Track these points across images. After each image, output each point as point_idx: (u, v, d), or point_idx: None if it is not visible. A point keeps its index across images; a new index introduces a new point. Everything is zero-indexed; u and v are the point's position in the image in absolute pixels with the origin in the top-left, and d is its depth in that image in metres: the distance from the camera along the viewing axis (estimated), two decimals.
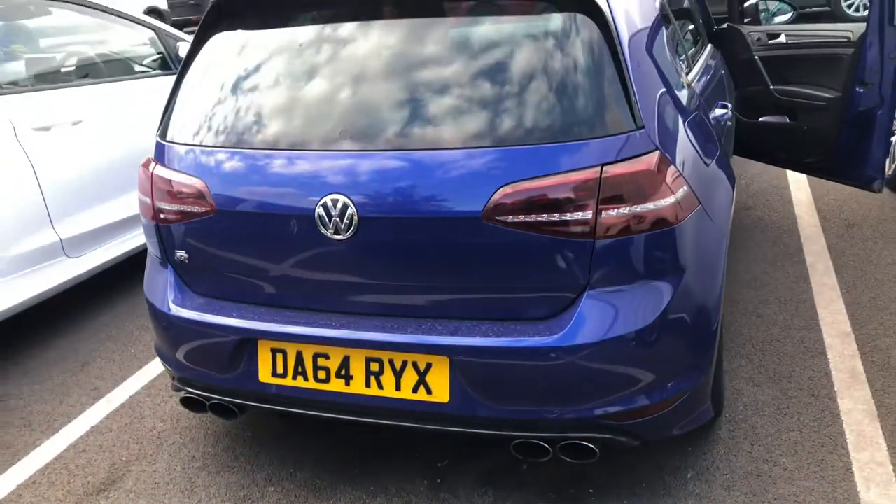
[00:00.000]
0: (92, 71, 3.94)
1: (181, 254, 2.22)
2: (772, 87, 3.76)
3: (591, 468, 2.30)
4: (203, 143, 2.14)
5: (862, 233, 3.92)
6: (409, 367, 1.98)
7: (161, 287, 2.29)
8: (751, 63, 3.83)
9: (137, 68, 4.22)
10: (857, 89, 3.26)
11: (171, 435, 2.67)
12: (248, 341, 2.11)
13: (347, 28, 2.10)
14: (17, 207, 3.24)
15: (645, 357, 1.93)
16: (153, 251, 2.34)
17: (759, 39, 3.87)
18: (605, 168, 1.83)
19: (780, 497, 2.14)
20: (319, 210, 1.94)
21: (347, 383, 2.04)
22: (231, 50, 2.21)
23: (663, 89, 2.06)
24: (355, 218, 1.92)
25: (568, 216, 1.83)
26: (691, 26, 3.46)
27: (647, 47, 2.08)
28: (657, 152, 1.87)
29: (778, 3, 4.10)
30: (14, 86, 3.51)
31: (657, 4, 2.41)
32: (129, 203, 3.73)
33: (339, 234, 1.94)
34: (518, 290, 1.91)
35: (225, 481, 2.39)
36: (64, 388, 3.07)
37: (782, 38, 3.78)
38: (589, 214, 1.83)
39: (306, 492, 2.31)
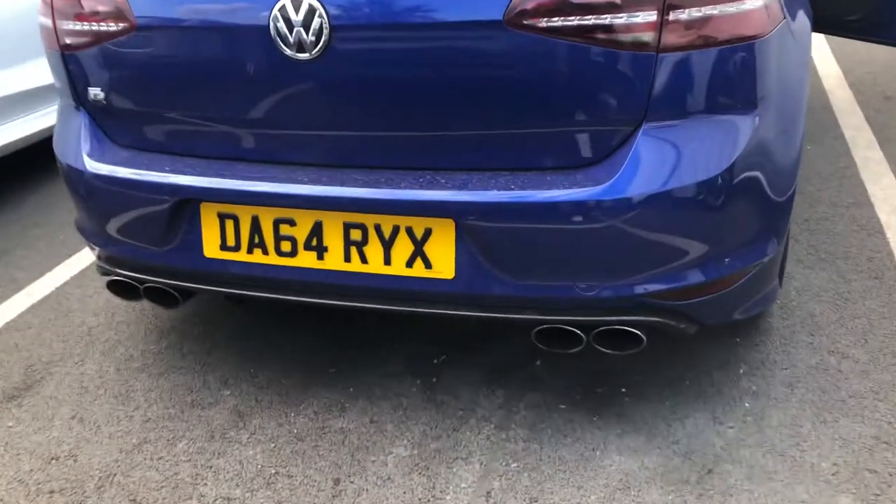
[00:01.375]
0: None
1: (96, 92, 1.67)
2: None
3: (619, 364, 1.88)
4: None
5: None
6: (402, 234, 1.49)
7: (74, 139, 1.75)
8: None
9: None
10: None
11: (105, 332, 2.19)
12: (187, 204, 1.60)
13: None
14: None
15: (711, 218, 1.46)
16: (63, 93, 1.79)
17: None
18: None
19: (856, 394, 1.74)
20: (276, 18, 1.40)
21: (320, 257, 1.56)
22: None
23: None
24: (326, 28, 1.39)
25: (624, 18, 1.32)
26: None
27: None
28: None
29: None
30: None
31: None
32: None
33: (303, 51, 1.41)
34: (550, 126, 1.42)
35: (169, 384, 1.93)
36: None
37: None
38: (653, 15, 1.32)
39: (270, 395, 1.86)
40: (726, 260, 1.52)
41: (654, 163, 1.40)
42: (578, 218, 1.39)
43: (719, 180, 1.42)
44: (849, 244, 2.36)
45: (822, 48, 4.33)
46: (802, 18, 1.75)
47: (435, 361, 1.94)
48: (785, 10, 1.51)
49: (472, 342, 1.99)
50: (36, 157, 3.31)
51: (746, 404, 1.73)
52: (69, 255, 2.68)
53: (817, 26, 3.31)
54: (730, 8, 1.35)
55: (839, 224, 2.49)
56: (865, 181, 2.77)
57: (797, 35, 1.64)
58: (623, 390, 1.81)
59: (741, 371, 1.84)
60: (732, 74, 1.40)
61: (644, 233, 1.42)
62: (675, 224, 1.44)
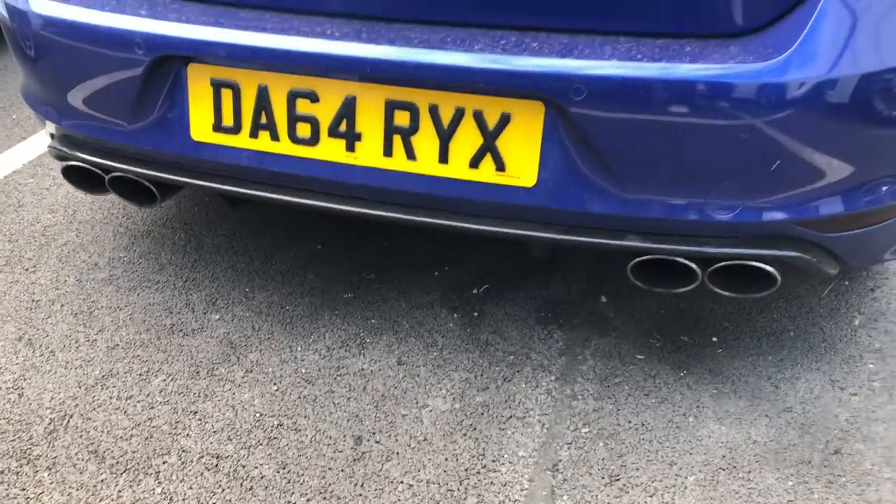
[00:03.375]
0: None
1: None
2: None
3: (702, 306, 1.52)
4: None
5: None
6: (468, 120, 1.08)
7: None
8: None
9: None
10: None
11: (63, 232, 1.78)
12: (170, 63, 1.17)
13: None
14: None
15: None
16: None
17: None
18: None
19: None
20: None
21: (351, 147, 1.15)
22: None
23: None
24: None
25: None
26: None
27: None
28: None
29: None
30: None
31: None
32: None
33: None
34: None
35: (143, 302, 1.54)
36: None
37: None
38: None
39: (270, 323, 1.49)
40: (884, 188, 1.13)
41: (841, 35, 0.99)
42: (729, 106, 0.99)
43: None
44: None
45: None
46: None
47: (475, 291, 1.56)
48: None
49: (521, 269, 1.62)
50: None
51: (870, 365, 1.39)
52: (23, 138, 2.23)
53: None
54: None
55: None
56: None
57: None
58: (714, 339, 1.45)
59: (856, 322, 1.49)
60: None
61: (815, 135, 1.02)
62: (860, 127, 1.03)
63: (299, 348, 1.43)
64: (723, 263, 1.13)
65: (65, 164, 1.40)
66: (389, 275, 1.61)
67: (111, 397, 1.32)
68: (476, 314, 1.51)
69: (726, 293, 1.19)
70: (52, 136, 1.43)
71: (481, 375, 1.37)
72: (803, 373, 1.37)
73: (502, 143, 1.09)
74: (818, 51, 0.97)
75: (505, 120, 1.07)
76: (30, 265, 1.67)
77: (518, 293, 1.56)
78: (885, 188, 1.13)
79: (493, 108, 1.07)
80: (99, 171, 1.37)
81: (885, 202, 1.15)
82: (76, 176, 1.41)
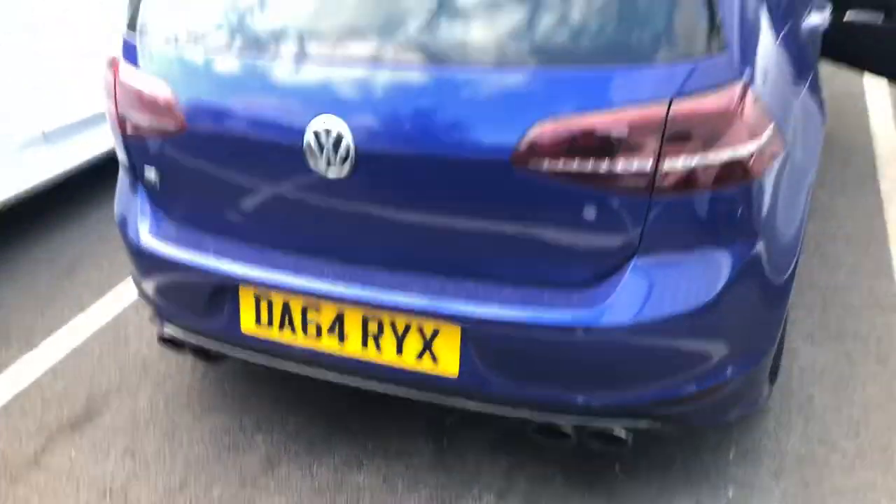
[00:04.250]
0: None
1: (152, 174, 1.86)
2: None
3: None
4: (174, 41, 1.74)
5: None
6: (414, 331, 1.66)
7: (132, 210, 1.95)
8: None
9: None
10: None
11: (157, 363, 2.43)
12: (229, 286, 1.79)
13: None
14: None
15: (698, 340, 1.59)
16: (122, 164, 1.99)
17: None
18: (673, 102, 1.41)
19: (837, 491, 1.85)
20: (309, 138, 1.56)
21: (342, 341, 1.74)
22: None
23: (754, 1, 1.58)
24: (352, 152, 1.54)
25: (620, 165, 1.43)
26: None
27: None
28: (740, 84, 1.44)
29: None
30: None
31: None
32: None
33: (332, 166, 1.57)
34: (549, 253, 1.55)
35: (209, 424, 2.16)
36: (48, 297, 2.82)
37: None
38: (647, 164, 1.43)
39: (297, 444, 2.07)
40: (712, 373, 1.64)
41: (644, 291, 1.52)
42: (571, 337, 1.53)
43: (708, 308, 1.53)
44: (861, 321, 2.42)
45: (875, 81, 4.25)
46: (811, 137, 1.82)
47: (448, 423, 2.11)
48: (786, 139, 1.60)
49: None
50: (99, 173, 3.56)
51: (730, 493, 1.86)
52: (129, 275, 2.92)
53: (872, 68, 3.30)
54: (726, 153, 1.44)
55: (856, 296, 2.54)
56: (891, 245, 2.79)
57: (801, 157, 1.72)
58: (617, 467, 1.95)
59: (731, 456, 1.96)
60: (726, 214, 1.50)
61: (638, 351, 1.55)
62: (668, 344, 1.57)
63: (315, 465, 2.00)
64: (591, 429, 1.66)
65: (159, 333, 2.05)
66: (383, 408, 2.17)
67: (186, 500, 1.92)
68: (446, 442, 2.05)
69: (595, 448, 1.70)
70: (152, 311, 2.08)
71: (442, 491, 1.90)
72: (676, 498, 1.86)
73: (436, 346, 1.65)
74: (622, 303, 1.50)
75: (436, 333, 1.64)
76: (133, 390, 2.32)
77: (480, 425, 2.09)
78: (713, 373, 1.64)
79: (429, 326, 1.64)
80: (182, 340, 2.00)
81: (717, 382, 1.65)
82: (166, 339, 2.06)
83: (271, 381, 2.31)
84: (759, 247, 1.57)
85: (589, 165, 1.44)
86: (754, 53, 1.53)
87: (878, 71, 3.30)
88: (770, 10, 1.67)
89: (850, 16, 3.26)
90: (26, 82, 3.00)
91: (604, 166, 1.43)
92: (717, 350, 1.61)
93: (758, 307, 1.65)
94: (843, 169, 3.36)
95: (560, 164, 1.44)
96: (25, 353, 2.52)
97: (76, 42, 3.21)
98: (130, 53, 1.82)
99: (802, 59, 1.87)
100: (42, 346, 2.55)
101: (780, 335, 1.78)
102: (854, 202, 3.11)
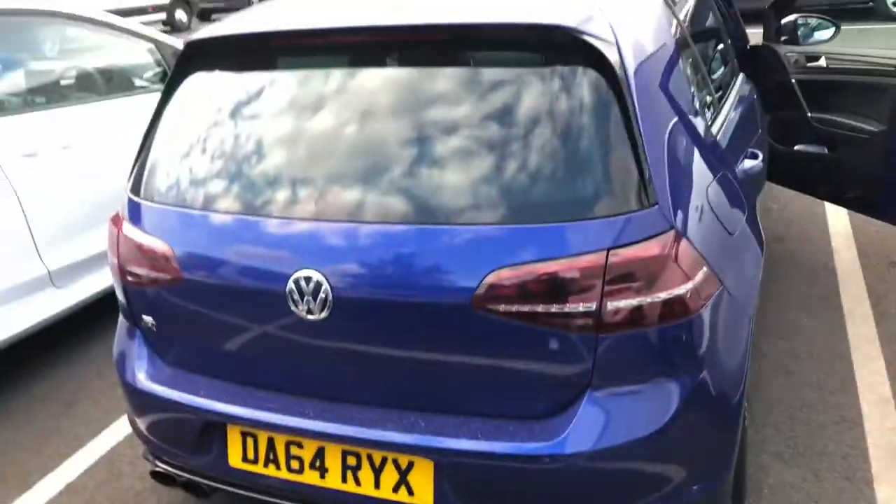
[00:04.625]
0: (84, 88, 3.77)
1: (149, 320, 2.03)
2: (809, 114, 3.46)
3: None
4: (171, 203, 1.95)
5: None
6: (390, 465, 1.77)
7: (129, 353, 2.10)
8: (787, 86, 3.54)
9: (137, 83, 4.04)
10: None
11: (149, 497, 2.50)
12: (217, 424, 1.92)
13: (330, 80, 1.88)
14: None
15: (655, 465, 1.70)
16: (123, 311, 2.16)
17: (796, 61, 3.57)
18: (610, 252, 1.59)
19: None
20: (290, 286, 1.73)
21: (322, 476, 1.84)
22: (204, 98, 2.00)
23: (683, 152, 1.81)
24: (329, 297, 1.71)
25: (567, 307, 1.60)
26: (720, 46, 3.16)
27: (664, 102, 1.83)
28: (671, 232, 1.63)
29: (818, 19, 3.78)
30: None
31: (672, 31, 2.14)
32: None
33: (311, 314, 1.73)
34: (511, 387, 1.69)
35: None
36: (45, 435, 2.92)
37: (822, 62, 3.48)
38: (592, 305, 1.60)
39: None
40: (673, 495, 1.74)
41: (599, 421, 1.65)
42: (534, 466, 1.65)
43: (661, 433, 1.66)
44: (827, 438, 2.52)
45: None
46: (748, 270, 2.00)
47: None
48: (721, 275, 1.77)
49: None
50: (102, 309, 3.73)
51: None
52: (124, 412, 3.03)
53: (821, 196, 3.55)
54: (661, 295, 1.61)
55: (821, 414, 2.65)
56: (855, 363, 2.93)
57: (738, 289, 1.88)
58: None
59: None
60: (668, 348, 1.65)
61: (596, 478, 1.66)
62: (624, 469, 1.68)
63: None
64: None
65: (152, 468, 2.15)
66: None
67: None
68: None
69: None
70: (145, 448, 2.19)
71: None
72: None
73: (411, 478, 1.76)
74: (579, 433, 1.63)
75: (411, 465, 1.75)
76: None
77: None
78: (681, 492, 1.74)
79: (403, 459, 1.75)
80: (172, 476, 2.10)
81: None
82: (158, 475, 2.15)
83: None
84: (704, 376, 1.71)
85: (539, 307, 1.60)
86: (686, 203, 1.73)
87: (825, 197, 3.55)
88: (700, 164, 1.90)
89: (799, 148, 3.55)
90: (36, 220, 3.21)
91: (552, 308, 1.60)
92: (675, 473, 1.72)
93: (709, 432, 1.78)
94: (808, 287, 3.54)
95: (514, 307, 1.61)
96: (20, 491, 2.59)
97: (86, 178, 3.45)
98: (132, 212, 2.02)
99: (736, 200, 2.08)
100: (36, 486, 2.62)
101: (734, 457, 1.88)
102: (818, 319, 3.26)
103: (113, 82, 3.91)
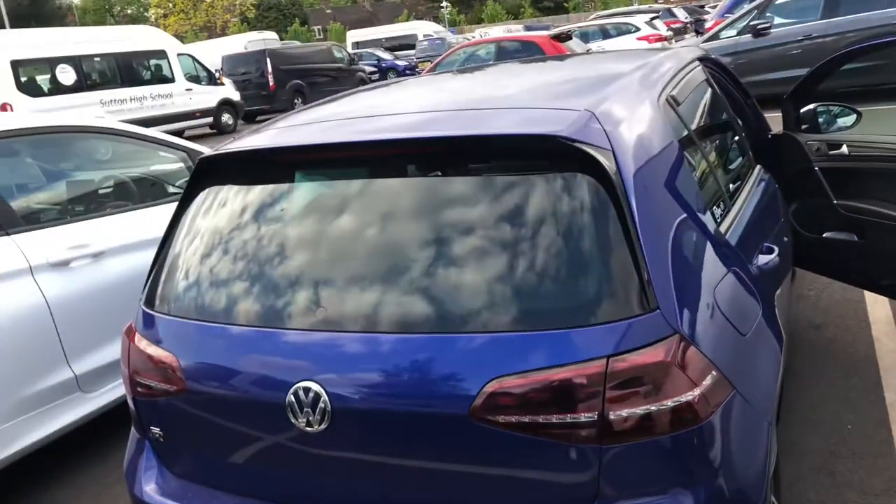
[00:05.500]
0: (119, 198, 3.92)
1: (156, 430, 2.03)
2: (835, 201, 3.40)
3: None
4: (181, 314, 1.98)
5: None
6: None
7: (137, 465, 2.10)
8: (810, 174, 3.50)
9: (171, 189, 4.20)
10: None
11: None
12: None
13: (334, 193, 1.93)
14: (30, 345, 3.16)
15: None
16: (133, 421, 2.16)
17: (818, 149, 3.54)
18: (610, 360, 1.55)
19: None
20: (290, 398, 1.72)
21: None
22: (215, 214, 2.06)
23: (688, 254, 1.78)
24: (328, 409, 1.69)
25: (568, 417, 1.55)
26: (733, 138, 3.14)
27: (666, 204, 1.82)
28: (675, 337, 1.58)
29: (840, 107, 3.76)
30: (34, 221, 3.47)
31: (675, 130, 2.11)
32: None
33: (311, 426, 1.71)
34: (513, 498, 1.63)
35: None
36: None
37: (844, 150, 3.45)
38: (594, 415, 1.54)
39: None
40: None
41: None
42: None
43: None
44: None
45: None
46: (765, 370, 1.92)
47: None
48: (734, 379, 1.70)
49: None
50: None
51: None
52: None
53: (853, 280, 3.44)
54: (667, 403, 1.55)
55: None
56: None
57: (754, 392, 1.80)
58: None
59: None
60: (674, 458, 1.58)
61: None
62: None
63: None
64: None
65: None
66: None
67: None
68: None
69: None
70: None
71: None
72: None
73: None
74: None
75: None
76: None
77: None
78: None
79: None
80: None
81: None
82: None
83: None
84: (720, 486, 1.62)
85: (539, 418, 1.56)
86: (691, 306, 1.68)
87: (858, 283, 3.44)
88: (707, 264, 1.86)
89: (828, 235, 3.47)
90: (65, 328, 3.29)
91: (553, 419, 1.55)
92: None
93: None
94: (847, 379, 3.38)
95: (513, 417, 1.57)
96: None
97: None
98: (144, 323, 2.06)
99: (750, 299, 2.02)
100: None
101: None
102: (858, 415, 3.10)
103: (146, 191, 4.06)
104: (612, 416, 1.54)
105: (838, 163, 3.45)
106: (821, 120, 3.71)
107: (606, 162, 1.69)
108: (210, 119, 17.45)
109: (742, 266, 2.07)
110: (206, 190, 2.11)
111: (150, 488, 2.02)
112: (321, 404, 1.69)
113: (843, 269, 3.47)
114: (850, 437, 2.94)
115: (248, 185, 2.06)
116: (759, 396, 1.83)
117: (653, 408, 1.54)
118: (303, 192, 1.98)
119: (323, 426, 1.70)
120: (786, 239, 2.92)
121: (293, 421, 1.72)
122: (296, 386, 1.71)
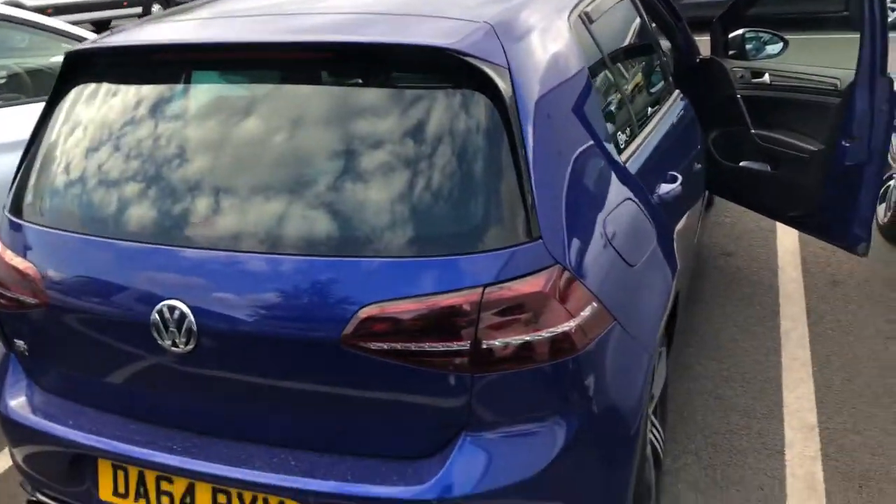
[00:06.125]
0: (13, 90, 3.64)
1: (20, 343, 1.92)
2: (753, 130, 3.40)
3: None
4: (45, 224, 1.84)
5: (846, 293, 3.56)
6: (260, 502, 1.68)
7: (4, 380, 1.99)
8: (732, 102, 3.47)
9: None
10: (843, 143, 2.90)
11: None
12: (88, 456, 1.81)
13: (210, 97, 1.79)
14: None
15: None
16: None
17: (741, 76, 3.50)
18: (486, 289, 1.50)
19: None
20: (155, 316, 1.63)
21: None
22: (85, 113, 1.89)
23: (580, 184, 1.72)
24: (193, 329, 1.61)
25: (441, 346, 1.51)
26: (652, 63, 3.03)
27: (562, 130, 1.74)
28: (555, 268, 1.54)
29: (769, 33, 3.70)
30: None
31: (585, 51, 2.01)
32: None
33: (177, 346, 1.63)
34: (382, 426, 1.60)
35: None
36: None
37: (766, 78, 3.41)
38: (466, 344, 1.51)
39: None
40: None
41: (475, 464, 1.56)
42: None
43: (540, 479, 1.57)
44: (747, 466, 2.45)
45: None
46: (652, 301, 1.92)
47: None
48: (616, 311, 1.68)
49: None
50: None
51: None
52: None
53: (766, 213, 3.49)
54: (541, 334, 1.53)
55: (745, 440, 2.58)
56: (784, 387, 2.86)
57: (638, 324, 1.80)
58: None
59: None
60: (548, 388, 1.57)
61: None
62: None
63: None
64: None
65: (28, 499, 2.04)
66: None
67: None
68: None
69: None
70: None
71: None
72: None
73: None
74: (452, 477, 1.55)
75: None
76: None
77: None
78: None
79: (273, 500, 1.66)
80: None
81: None
82: None
83: None
84: (592, 415, 1.63)
85: (412, 346, 1.51)
86: (577, 236, 1.63)
87: (767, 213, 3.49)
88: (600, 194, 1.81)
89: (743, 164, 3.48)
90: None
91: (425, 347, 1.51)
92: None
93: (598, 472, 1.70)
94: (748, 307, 3.47)
95: (385, 345, 1.52)
96: None
97: None
98: (8, 232, 1.91)
99: (643, 229, 1.99)
100: None
101: (628, 496, 1.80)
102: (755, 341, 3.19)
103: (41, 85, 3.77)
104: (485, 345, 1.51)
105: (759, 91, 3.43)
106: (749, 46, 3.65)
107: (501, 81, 1.59)
108: (140, 9, 16.38)
109: (640, 195, 2.02)
110: (77, 88, 1.93)
111: (14, 405, 1.92)
112: (186, 324, 1.61)
113: (755, 199, 3.50)
114: (743, 363, 3.04)
115: (127, 84, 1.89)
116: (641, 327, 1.82)
117: (527, 337, 1.51)
118: (180, 95, 1.82)
119: (189, 346, 1.62)
120: (698, 166, 2.89)
121: (159, 340, 1.64)
122: (161, 304, 1.62)
